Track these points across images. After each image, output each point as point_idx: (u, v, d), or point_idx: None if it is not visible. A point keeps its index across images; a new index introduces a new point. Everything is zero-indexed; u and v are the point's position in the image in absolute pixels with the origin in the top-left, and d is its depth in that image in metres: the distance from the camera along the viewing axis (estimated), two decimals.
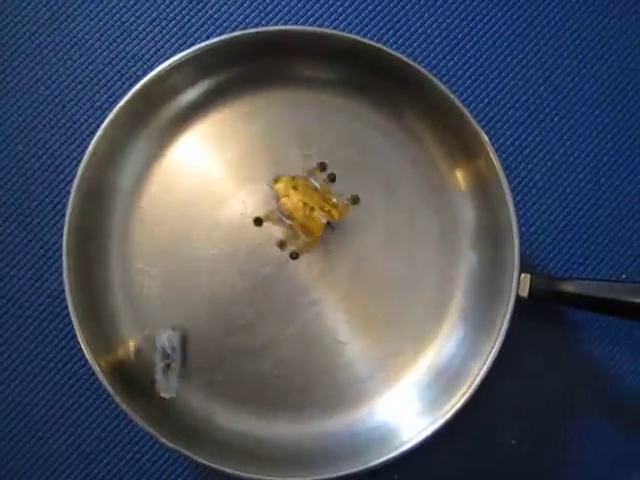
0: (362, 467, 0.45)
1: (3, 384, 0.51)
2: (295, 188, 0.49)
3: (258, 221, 0.50)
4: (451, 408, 0.46)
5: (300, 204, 0.49)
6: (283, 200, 0.49)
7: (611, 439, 0.51)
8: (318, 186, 0.50)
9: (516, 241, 0.46)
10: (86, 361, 0.45)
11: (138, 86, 0.47)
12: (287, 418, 0.49)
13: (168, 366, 0.47)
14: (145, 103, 0.48)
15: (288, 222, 0.49)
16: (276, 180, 0.50)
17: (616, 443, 0.51)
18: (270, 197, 0.50)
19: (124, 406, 0.45)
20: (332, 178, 0.50)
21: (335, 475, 0.45)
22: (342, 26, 0.53)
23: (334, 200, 0.49)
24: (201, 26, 0.53)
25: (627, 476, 0.51)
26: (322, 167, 0.50)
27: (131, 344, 0.49)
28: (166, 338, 0.48)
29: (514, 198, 0.46)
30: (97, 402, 0.50)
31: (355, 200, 0.50)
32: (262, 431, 0.48)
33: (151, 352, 0.48)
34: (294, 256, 0.50)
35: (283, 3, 0.54)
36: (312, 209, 0.49)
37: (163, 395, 0.47)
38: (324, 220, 0.49)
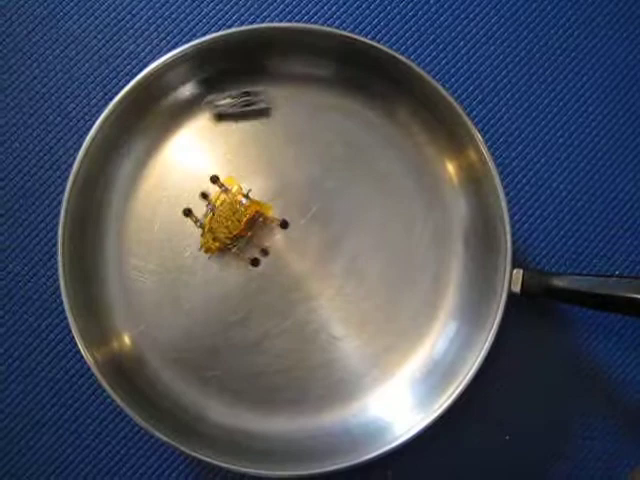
0: (356, 461, 0.45)
1: None
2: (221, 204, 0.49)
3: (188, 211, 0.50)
4: (444, 403, 0.46)
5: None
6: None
7: (606, 434, 0.51)
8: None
9: (509, 237, 0.46)
10: (81, 356, 0.45)
11: (133, 83, 0.48)
12: (282, 413, 0.49)
13: (235, 98, 0.48)
14: (140, 100, 0.49)
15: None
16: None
17: (611, 438, 0.51)
18: (263, 196, 0.50)
19: (119, 401, 0.45)
20: (283, 225, 0.50)
21: (330, 469, 0.45)
22: (336, 23, 0.54)
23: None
24: (196, 24, 0.54)
25: (622, 471, 0.51)
26: (283, 224, 0.50)
27: (126, 339, 0.49)
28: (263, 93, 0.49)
29: (507, 194, 0.47)
30: (92, 397, 0.51)
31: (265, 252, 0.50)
32: (257, 426, 0.49)
33: (146, 347, 0.49)
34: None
35: (277, 1, 0.54)
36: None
37: (203, 101, 0.48)
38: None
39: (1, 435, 0.50)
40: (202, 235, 0.49)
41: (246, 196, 0.49)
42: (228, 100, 0.48)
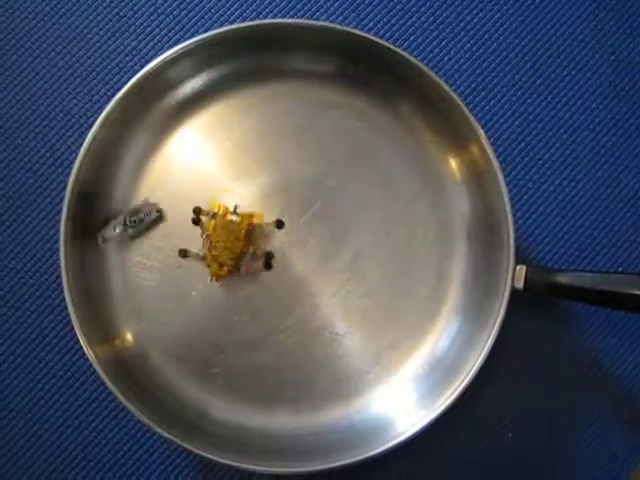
0: (359, 458, 0.45)
1: (2, 375, 0.51)
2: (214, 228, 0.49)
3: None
4: (447, 399, 0.46)
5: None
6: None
7: (610, 431, 0.51)
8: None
9: (512, 233, 0.46)
10: (84, 353, 0.45)
11: (135, 79, 0.48)
12: (285, 410, 0.49)
13: (125, 225, 0.47)
14: (142, 96, 0.49)
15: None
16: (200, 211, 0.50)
17: (615, 435, 0.51)
18: (266, 192, 0.50)
19: (121, 397, 0.45)
20: (278, 225, 0.50)
21: (333, 466, 0.45)
22: (339, 20, 0.54)
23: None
24: (199, 20, 0.54)
25: (626, 468, 0.51)
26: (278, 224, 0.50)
27: (128, 336, 0.49)
28: (147, 206, 0.48)
29: (510, 191, 0.47)
30: (95, 394, 0.51)
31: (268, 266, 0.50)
32: (259, 423, 0.49)
33: (148, 344, 0.49)
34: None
35: None
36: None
37: (98, 239, 0.48)
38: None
39: (4, 431, 0.51)
40: (208, 266, 0.49)
41: (234, 212, 0.49)
42: (117, 231, 0.48)
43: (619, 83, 0.54)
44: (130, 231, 0.48)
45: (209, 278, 0.49)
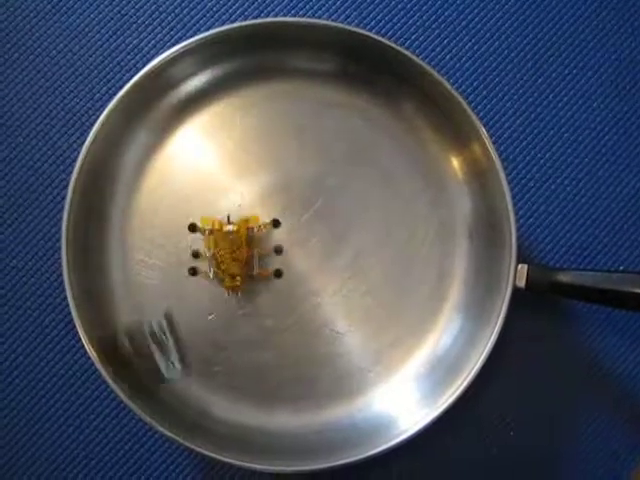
0: (361, 456, 0.45)
1: (3, 374, 0.51)
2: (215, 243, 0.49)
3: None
4: (449, 398, 0.46)
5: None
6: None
7: (611, 430, 0.51)
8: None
9: (513, 232, 0.46)
10: (85, 352, 0.45)
11: (137, 78, 0.48)
12: (287, 409, 0.49)
13: (161, 349, 0.48)
14: (144, 95, 0.49)
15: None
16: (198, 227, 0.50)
17: (616, 434, 0.51)
18: (267, 191, 0.50)
19: (123, 395, 0.45)
20: (275, 224, 0.50)
21: (334, 464, 0.45)
22: (341, 18, 0.54)
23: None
24: (200, 18, 0.53)
25: (626, 467, 0.51)
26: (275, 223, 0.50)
27: (130, 334, 0.49)
28: (155, 324, 0.48)
29: (511, 189, 0.47)
30: (96, 392, 0.51)
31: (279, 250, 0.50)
32: (261, 421, 0.49)
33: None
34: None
35: None
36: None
37: (169, 378, 0.47)
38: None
39: (5, 430, 0.50)
40: (223, 282, 0.49)
41: (229, 222, 0.49)
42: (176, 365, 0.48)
43: (620, 82, 0.54)
44: (171, 349, 0.48)
45: (226, 294, 0.49)
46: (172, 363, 0.48)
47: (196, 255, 0.49)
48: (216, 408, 0.49)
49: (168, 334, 0.48)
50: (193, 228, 0.49)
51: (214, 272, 0.49)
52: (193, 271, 0.49)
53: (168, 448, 0.51)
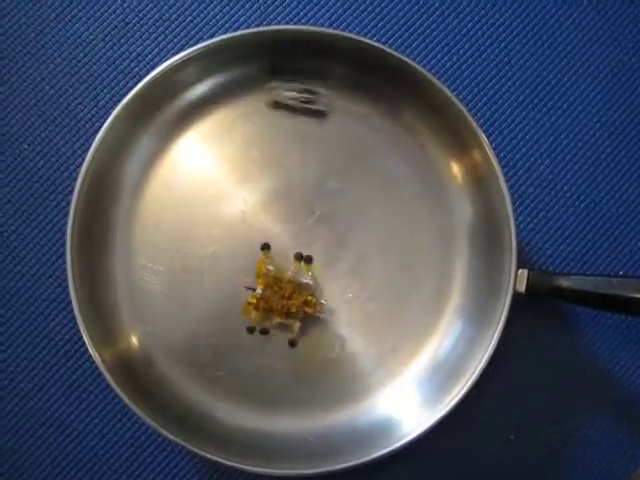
0: (363, 460, 0.46)
1: (7, 379, 0.51)
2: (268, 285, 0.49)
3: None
4: (450, 402, 0.46)
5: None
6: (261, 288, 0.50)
7: (610, 433, 0.51)
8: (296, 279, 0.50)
9: (513, 237, 0.47)
10: (89, 356, 0.46)
11: (141, 85, 0.48)
12: (289, 413, 0.49)
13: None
14: (147, 102, 0.49)
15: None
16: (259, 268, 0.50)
17: (615, 438, 0.51)
18: (269, 197, 0.50)
19: (126, 399, 0.45)
20: (308, 260, 0.50)
21: (337, 468, 0.46)
22: (342, 26, 0.54)
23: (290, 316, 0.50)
24: (203, 26, 0.54)
25: (626, 472, 0.51)
26: (308, 261, 0.50)
27: (133, 339, 0.49)
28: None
29: (512, 195, 0.47)
30: (100, 397, 0.51)
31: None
32: (263, 425, 0.49)
33: (153, 347, 0.49)
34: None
35: (284, 4, 0.54)
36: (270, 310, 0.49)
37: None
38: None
39: (9, 434, 0.51)
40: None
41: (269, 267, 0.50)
42: (291, 93, 0.48)
43: (619, 89, 0.54)
44: (295, 100, 0.48)
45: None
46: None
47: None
48: (219, 412, 0.49)
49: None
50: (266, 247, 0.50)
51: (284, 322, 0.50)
52: (265, 331, 0.50)
53: (171, 452, 0.51)
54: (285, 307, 0.49)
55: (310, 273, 0.50)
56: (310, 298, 0.49)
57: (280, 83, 0.49)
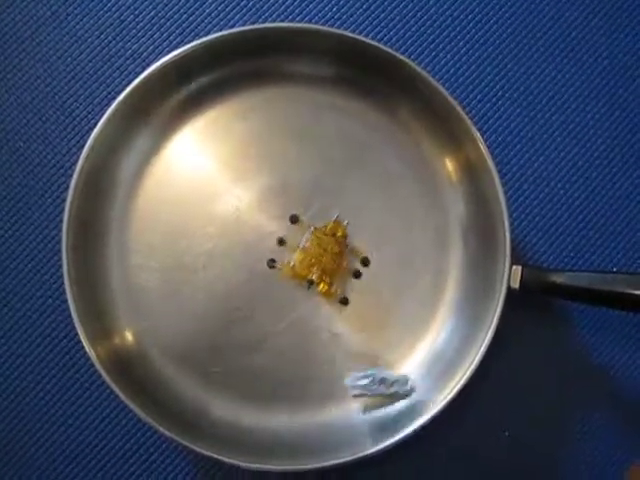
0: (358, 455, 0.46)
1: (2, 376, 0.51)
2: (335, 240, 0.50)
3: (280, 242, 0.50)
4: (444, 398, 0.46)
5: (320, 250, 0.50)
6: (317, 233, 0.50)
7: (605, 429, 0.51)
8: (344, 264, 0.50)
9: (507, 233, 0.47)
10: (85, 353, 0.46)
11: (136, 83, 0.48)
12: (284, 409, 0.49)
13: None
14: (143, 99, 0.49)
15: (299, 246, 0.50)
16: (336, 220, 0.50)
17: (610, 433, 0.51)
18: (265, 195, 0.51)
19: (122, 396, 0.45)
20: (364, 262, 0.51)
21: (332, 463, 0.46)
22: (338, 24, 0.54)
23: (336, 285, 0.50)
24: (199, 24, 0.54)
25: (621, 467, 0.51)
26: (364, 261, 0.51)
27: (129, 336, 0.49)
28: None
29: (506, 192, 0.47)
30: (95, 394, 0.51)
31: (357, 275, 0.50)
32: (259, 422, 0.49)
33: (148, 344, 0.49)
34: (270, 265, 0.50)
35: (280, 1, 0.54)
36: (318, 264, 0.50)
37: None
38: (311, 277, 0.50)
39: (4, 432, 0.51)
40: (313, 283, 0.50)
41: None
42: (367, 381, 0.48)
43: (613, 86, 0.54)
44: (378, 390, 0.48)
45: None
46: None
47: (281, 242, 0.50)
48: (214, 408, 0.49)
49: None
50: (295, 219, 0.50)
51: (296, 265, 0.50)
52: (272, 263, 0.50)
53: (167, 449, 0.51)
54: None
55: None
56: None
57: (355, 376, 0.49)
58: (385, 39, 0.54)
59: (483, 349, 0.46)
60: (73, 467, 0.51)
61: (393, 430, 0.46)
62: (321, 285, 0.50)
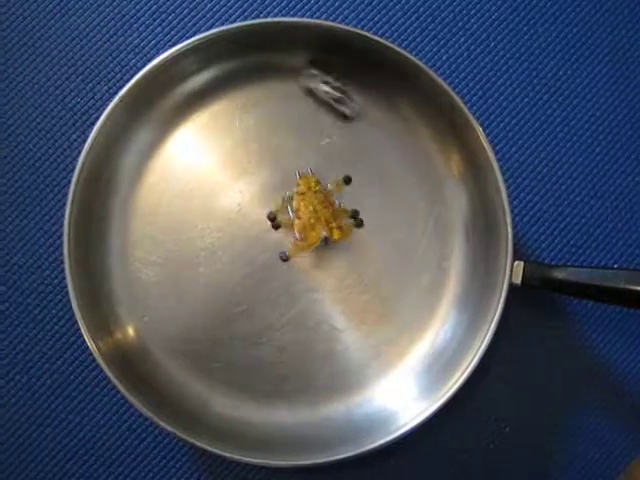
0: (359, 451, 0.46)
1: (3, 370, 0.51)
2: (315, 192, 0.50)
3: (272, 219, 0.50)
4: (446, 393, 0.46)
5: (310, 208, 0.49)
6: (298, 196, 0.50)
7: (605, 425, 0.51)
8: (337, 203, 0.50)
9: (509, 229, 0.47)
10: (86, 347, 0.46)
11: (137, 77, 0.48)
12: (285, 404, 0.49)
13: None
14: (144, 94, 0.49)
15: (292, 218, 0.50)
16: (301, 176, 0.50)
17: (611, 429, 0.51)
18: (266, 189, 0.51)
19: (123, 390, 0.45)
20: (347, 180, 0.51)
21: (333, 459, 0.46)
22: (339, 19, 0.54)
23: (343, 223, 0.50)
24: (201, 18, 0.54)
25: (621, 463, 0.51)
26: (347, 181, 0.51)
27: (130, 330, 0.49)
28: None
29: (507, 187, 0.47)
30: (97, 389, 0.51)
31: (359, 224, 0.51)
32: (260, 416, 0.49)
33: (150, 338, 0.49)
34: (284, 258, 0.50)
35: None
36: (318, 219, 0.49)
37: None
38: (323, 234, 0.50)
39: (6, 427, 0.51)
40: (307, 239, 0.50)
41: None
42: (325, 87, 0.47)
43: (615, 81, 0.54)
44: (328, 95, 0.48)
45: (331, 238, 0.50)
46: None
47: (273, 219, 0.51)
48: (215, 403, 0.49)
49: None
50: (274, 217, 0.51)
51: (291, 212, 0.50)
52: (276, 225, 0.50)
53: (168, 443, 0.51)
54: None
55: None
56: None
57: (319, 73, 0.49)
58: (387, 34, 0.54)
59: (485, 344, 0.46)
60: (74, 462, 0.51)
61: (393, 426, 0.46)
62: (334, 233, 0.50)
